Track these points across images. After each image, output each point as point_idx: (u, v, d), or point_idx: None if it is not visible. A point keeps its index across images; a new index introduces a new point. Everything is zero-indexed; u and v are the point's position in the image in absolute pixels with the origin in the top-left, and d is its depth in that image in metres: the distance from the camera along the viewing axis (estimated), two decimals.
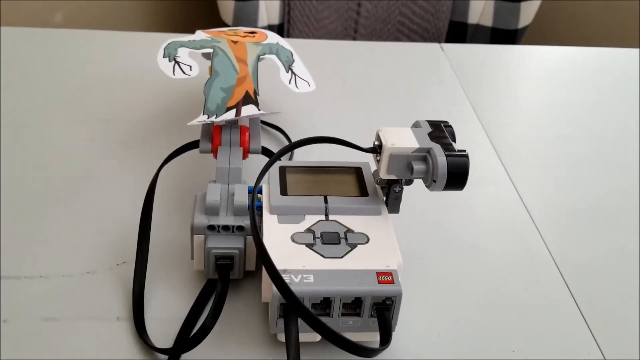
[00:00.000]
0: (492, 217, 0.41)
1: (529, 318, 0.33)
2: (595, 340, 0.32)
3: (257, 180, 0.30)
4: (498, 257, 0.37)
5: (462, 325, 0.32)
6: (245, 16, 1.18)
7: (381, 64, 0.61)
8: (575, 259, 0.38)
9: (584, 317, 0.34)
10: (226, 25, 1.17)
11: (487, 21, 1.24)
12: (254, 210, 0.29)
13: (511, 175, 0.45)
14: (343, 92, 0.55)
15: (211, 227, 0.32)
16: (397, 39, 1.29)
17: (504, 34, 1.25)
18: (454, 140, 0.33)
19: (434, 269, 0.36)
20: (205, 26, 1.29)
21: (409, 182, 0.33)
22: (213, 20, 1.23)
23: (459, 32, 1.28)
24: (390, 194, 0.33)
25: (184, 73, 0.41)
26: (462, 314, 0.33)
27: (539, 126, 0.52)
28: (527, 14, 1.22)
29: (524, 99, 0.57)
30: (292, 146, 0.31)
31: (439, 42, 1.27)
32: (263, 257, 0.26)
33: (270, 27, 1.21)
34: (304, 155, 0.45)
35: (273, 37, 0.49)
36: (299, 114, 0.51)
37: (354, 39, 1.30)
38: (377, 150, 0.32)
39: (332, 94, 0.54)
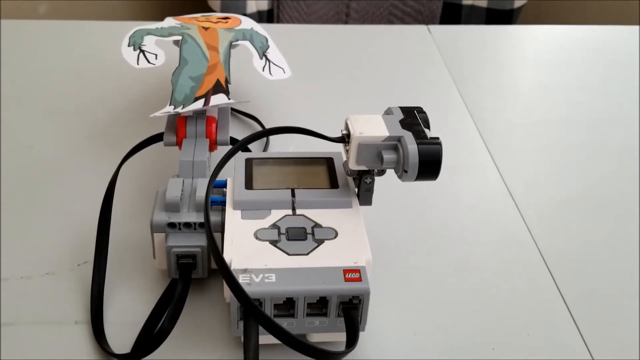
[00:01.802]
0: (476, 209, 0.39)
1: (511, 313, 0.32)
2: (582, 338, 0.30)
3: (214, 171, 0.28)
4: (480, 251, 0.36)
5: (439, 323, 0.31)
6: (234, 3, 1.15)
7: (366, 48, 0.58)
8: (563, 252, 0.36)
9: (570, 313, 0.32)
10: (213, 12, 1.15)
11: (482, 2, 1.21)
12: (208, 204, 0.27)
13: (498, 164, 0.43)
14: (325, 78, 0.53)
15: (172, 225, 0.30)
16: (390, 22, 1.27)
17: (499, 15, 1.22)
18: (428, 127, 0.31)
19: (410, 265, 0.34)
20: (191, 12, 1.26)
21: (381, 172, 0.31)
22: (200, 7, 1.21)
23: (453, 13, 1.25)
24: (361, 186, 0.31)
25: (149, 62, 0.39)
26: (439, 310, 0.31)
27: (529, 111, 0.50)
28: None
29: (514, 83, 0.55)
30: (256, 136, 0.30)
31: (433, 24, 1.24)
32: (215, 256, 0.25)
33: (259, 13, 1.19)
34: (281, 148, 0.43)
35: (247, 23, 0.47)
36: (276, 102, 0.49)
37: (346, 23, 1.27)
38: (345, 139, 0.30)
39: (313, 80, 0.52)
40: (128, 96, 0.48)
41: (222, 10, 1.14)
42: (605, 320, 0.31)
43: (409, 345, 0.29)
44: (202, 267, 0.30)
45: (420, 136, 0.29)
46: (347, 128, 0.30)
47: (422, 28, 0.64)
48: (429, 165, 0.28)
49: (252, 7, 1.17)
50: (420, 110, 0.32)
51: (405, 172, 0.29)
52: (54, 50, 0.54)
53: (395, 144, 0.29)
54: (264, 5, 1.19)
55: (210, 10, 1.14)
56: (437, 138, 0.29)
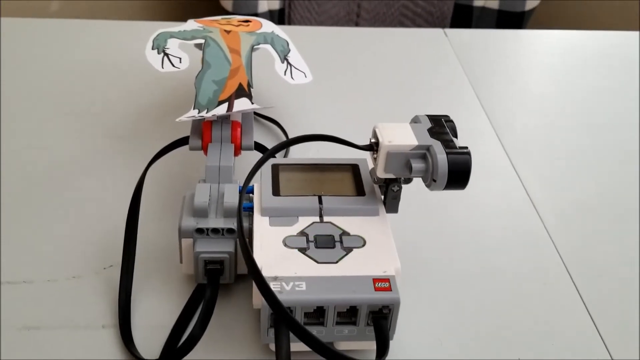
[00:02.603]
0: (497, 214, 0.39)
1: (535, 319, 0.32)
2: (604, 343, 0.31)
3: (246, 180, 0.28)
4: (503, 257, 0.36)
5: (465, 331, 0.31)
6: (246, 2, 1.15)
7: (383, 51, 0.58)
8: (584, 257, 0.36)
9: (592, 318, 0.32)
10: (225, 12, 1.15)
11: (494, 4, 1.21)
12: (241, 212, 0.27)
13: (517, 168, 0.43)
14: (343, 81, 0.53)
15: (200, 230, 0.30)
16: (401, 23, 1.26)
17: (510, 17, 1.22)
18: (456, 136, 0.31)
19: (435, 272, 0.34)
20: (204, 13, 1.26)
21: (408, 180, 0.31)
22: (212, 6, 1.21)
23: (464, 15, 1.25)
24: (388, 194, 0.31)
25: (173, 66, 0.39)
26: (464, 318, 0.31)
27: (546, 114, 0.50)
28: None
29: (530, 86, 0.55)
30: (285, 144, 0.30)
31: (444, 25, 1.24)
32: (249, 264, 0.25)
33: (270, 13, 1.19)
34: (301, 152, 0.43)
35: (268, 26, 0.47)
36: (296, 105, 0.49)
37: (357, 23, 1.27)
38: (373, 148, 0.30)
39: (331, 84, 0.52)
40: (147, 97, 0.48)
41: (234, 10, 1.14)
42: (627, 326, 0.31)
43: (436, 354, 0.29)
44: (229, 273, 0.30)
45: (449, 145, 0.29)
46: (375, 136, 0.30)
47: (438, 31, 0.64)
48: (458, 175, 0.28)
49: (263, 6, 1.17)
50: (447, 119, 0.32)
51: (434, 181, 0.29)
52: (71, 49, 0.54)
53: (424, 153, 0.29)
54: (276, 5, 1.19)
55: (223, 9, 1.14)
56: (466, 147, 0.29)
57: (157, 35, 0.41)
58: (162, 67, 0.39)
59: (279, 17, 1.20)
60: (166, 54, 0.40)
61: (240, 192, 0.28)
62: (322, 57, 0.56)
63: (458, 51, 0.60)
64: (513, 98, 0.53)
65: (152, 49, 0.40)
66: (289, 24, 1.22)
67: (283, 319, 0.24)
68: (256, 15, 1.18)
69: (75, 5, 1.11)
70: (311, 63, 0.53)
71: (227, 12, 1.15)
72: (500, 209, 0.39)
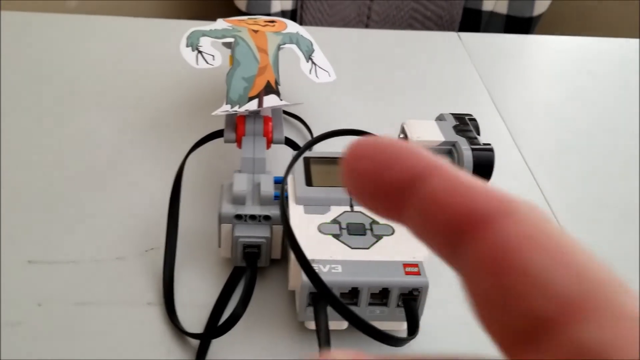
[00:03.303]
0: None
1: None
2: None
3: (286, 172, 0.31)
4: None
5: None
6: (259, 2, 1.17)
7: (398, 53, 0.61)
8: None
9: None
10: (239, 11, 1.17)
11: (502, 9, 1.23)
12: (284, 201, 0.29)
13: (532, 170, 0.46)
14: (361, 81, 0.55)
15: (238, 216, 0.32)
16: (410, 25, 1.29)
17: (518, 22, 1.24)
18: (479, 134, 0.33)
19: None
20: (218, 11, 1.28)
21: None
22: (226, 5, 1.23)
23: (473, 19, 1.27)
24: None
25: (207, 63, 0.41)
26: None
27: (561, 119, 0.53)
28: (543, 1, 1.21)
29: (545, 91, 0.57)
30: (318, 139, 0.32)
31: (453, 29, 1.26)
32: (294, 247, 0.27)
33: (283, 13, 1.21)
34: (323, 146, 0.45)
35: (293, 27, 0.49)
36: (318, 103, 0.51)
37: (367, 25, 1.29)
38: None
39: (350, 83, 0.55)
40: (179, 93, 0.51)
41: (248, 10, 1.17)
42: None
43: (461, 334, 0.32)
44: (265, 257, 0.33)
45: (473, 142, 0.31)
46: (403, 132, 0.33)
47: (452, 34, 0.66)
48: (483, 169, 0.31)
49: (276, 6, 1.19)
50: (471, 117, 0.34)
51: None
52: (108, 46, 0.56)
53: (449, 148, 0.31)
54: (288, 6, 1.21)
55: (236, 8, 1.16)
56: (489, 144, 0.31)
57: (190, 34, 0.44)
58: (197, 64, 0.41)
59: (291, 17, 1.23)
60: (200, 52, 0.42)
61: (279, 181, 0.30)
62: (339, 57, 0.59)
63: (472, 55, 0.62)
64: (528, 102, 0.55)
65: (187, 46, 0.42)
66: (301, 24, 1.24)
67: (325, 296, 0.26)
68: (269, 15, 1.20)
69: (90, 3, 1.13)
70: (331, 63, 0.55)
71: (240, 12, 1.17)
72: None
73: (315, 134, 0.47)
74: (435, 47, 0.63)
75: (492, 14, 1.25)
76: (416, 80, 0.56)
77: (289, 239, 0.27)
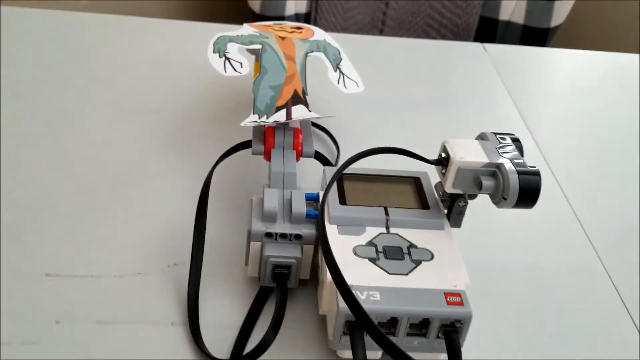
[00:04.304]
0: (545, 234, 0.40)
1: (591, 343, 0.32)
2: None
3: (325, 192, 0.29)
4: (556, 279, 0.36)
5: (526, 348, 0.31)
6: (273, 4, 1.16)
7: (423, 62, 0.59)
8: (634, 278, 0.37)
9: None
10: (253, 12, 1.15)
11: (519, 18, 1.22)
12: (324, 224, 0.27)
13: (563, 188, 0.44)
14: (385, 91, 0.54)
15: (268, 235, 0.31)
16: (425, 33, 1.27)
17: (535, 33, 1.23)
18: (522, 155, 0.31)
19: (492, 289, 0.35)
20: (232, 12, 1.27)
21: (473, 196, 0.32)
22: (240, 8, 1.22)
23: (489, 28, 1.26)
24: (453, 209, 0.32)
25: (235, 70, 0.40)
26: (525, 335, 0.32)
27: (591, 135, 0.51)
28: (560, 13, 1.20)
29: (573, 105, 0.55)
30: (358, 156, 0.30)
31: (468, 37, 1.25)
32: (334, 272, 0.25)
33: (297, 16, 1.19)
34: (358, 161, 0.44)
35: (320, 34, 0.48)
36: (344, 114, 0.50)
37: (381, 31, 1.28)
38: (443, 162, 0.31)
39: (374, 94, 0.53)
40: (201, 97, 0.49)
41: (262, 11, 1.15)
42: None
43: None
44: (294, 278, 0.31)
45: (519, 164, 0.30)
46: (445, 151, 0.31)
47: (477, 46, 0.65)
48: (529, 194, 0.29)
49: (290, 9, 1.18)
50: (514, 137, 0.32)
51: (504, 199, 0.29)
52: (129, 47, 0.55)
53: (494, 170, 0.30)
54: (303, 8, 1.20)
55: (250, 10, 1.15)
56: (535, 167, 0.30)
57: (217, 39, 0.42)
58: (225, 72, 0.39)
59: (305, 20, 1.21)
60: (227, 58, 0.41)
61: (322, 201, 0.29)
62: (361, 65, 0.57)
63: (498, 66, 0.60)
64: (556, 116, 0.53)
65: (214, 52, 0.41)
66: None
67: (366, 326, 0.24)
68: (283, 18, 1.18)
69: (102, 2, 1.12)
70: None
71: (254, 13, 1.16)
72: (548, 227, 0.40)
73: (342, 147, 0.45)
74: (461, 57, 0.61)
75: (508, 23, 1.23)
76: (443, 92, 0.55)
77: (329, 264, 0.26)
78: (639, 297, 0.35)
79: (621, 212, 0.43)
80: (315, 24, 1.23)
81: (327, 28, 1.23)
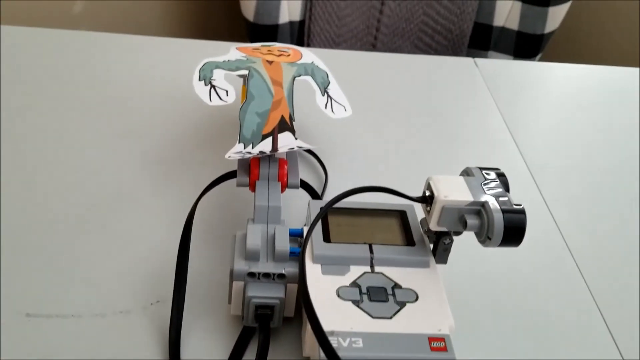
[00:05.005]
0: (536, 262, 0.39)
1: None
2: None
3: (307, 233, 0.29)
4: (542, 302, 0.36)
5: None
6: (267, 12, 1.15)
7: (413, 79, 0.59)
8: (624, 306, 0.36)
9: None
10: (247, 21, 1.15)
11: (514, 24, 1.22)
12: (304, 270, 0.27)
13: (552, 210, 0.44)
14: (376, 108, 0.53)
15: (251, 274, 0.30)
16: (420, 39, 1.27)
17: (529, 39, 1.22)
18: (508, 191, 0.31)
19: (479, 326, 0.35)
20: (225, 22, 1.26)
21: (459, 232, 0.31)
22: (234, 17, 1.21)
23: (484, 34, 1.25)
24: (439, 245, 0.31)
25: (221, 99, 0.39)
26: None
27: (581, 151, 0.51)
28: (555, 19, 1.19)
29: (565, 123, 0.55)
30: (342, 196, 0.30)
31: (463, 43, 1.24)
32: (312, 321, 0.25)
33: (291, 24, 1.19)
34: (338, 187, 0.44)
35: (308, 56, 0.48)
36: (330, 133, 0.49)
37: (376, 38, 1.27)
38: (427, 200, 0.31)
39: (365, 111, 0.53)
40: (186, 119, 0.49)
41: (255, 20, 1.15)
42: None
43: None
44: (278, 318, 0.31)
45: (504, 203, 0.29)
46: (429, 188, 0.31)
47: (468, 60, 0.65)
48: (514, 232, 0.29)
49: (284, 17, 1.17)
50: (500, 172, 0.32)
51: (489, 239, 0.29)
52: (107, 65, 0.54)
53: (478, 209, 0.30)
54: (297, 17, 1.19)
55: (244, 20, 1.14)
56: (520, 205, 0.29)
57: (203, 66, 0.42)
58: (210, 101, 0.39)
59: (299, 28, 1.21)
60: (213, 86, 0.40)
61: (304, 242, 0.29)
62: (349, 83, 0.57)
63: (488, 81, 0.60)
64: (547, 135, 0.53)
65: (199, 80, 0.41)
66: (309, 36, 1.22)
67: None
68: (277, 26, 1.18)
69: (98, 7, 1.11)
70: (343, 90, 0.53)
71: (248, 22, 1.16)
72: (538, 255, 0.40)
73: (329, 168, 0.45)
74: (451, 72, 0.61)
75: (502, 29, 1.23)
76: (433, 109, 0.54)
77: (310, 316, 0.25)
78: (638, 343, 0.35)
79: (611, 234, 0.42)
80: (310, 32, 1.23)
81: (322, 35, 1.23)
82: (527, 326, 0.34)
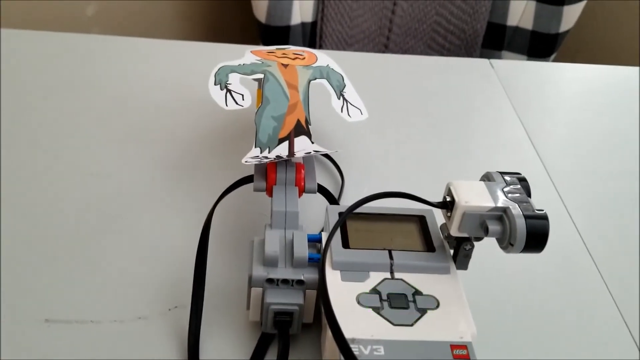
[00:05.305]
0: (556, 266, 0.39)
1: None
2: None
3: (327, 240, 0.28)
4: (567, 319, 0.35)
5: None
6: (279, 14, 1.15)
7: (430, 81, 0.58)
8: None
9: None
10: (259, 22, 1.15)
11: (528, 24, 1.20)
12: (324, 277, 0.27)
13: (572, 214, 0.43)
14: (392, 112, 0.53)
15: (270, 280, 0.30)
16: (433, 39, 1.26)
17: (543, 38, 1.21)
18: (529, 195, 0.31)
19: (500, 332, 0.34)
20: (237, 24, 1.26)
21: (480, 238, 0.31)
22: (246, 18, 1.21)
23: (497, 33, 1.24)
24: (460, 251, 0.31)
25: (237, 103, 0.39)
26: None
27: (600, 157, 0.50)
28: (569, 18, 1.18)
29: (583, 124, 0.54)
30: (361, 202, 0.30)
31: (476, 43, 1.24)
32: (334, 329, 0.25)
33: (303, 25, 1.19)
34: (355, 191, 0.43)
35: (323, 59, 0.47)
36: (346, 137, 0.49)
37: (388, 38, 1.27)
38: (448, 205, 0.30)
39: (380, 114, 0.52)
40: (202, 124, 0.48)
41: (267, 21, 1.15)
42: None
43: None
44: (297, 325, 0.31)
45: (526, 208, 0.29)
46: (450, 194, 0.30)
47: (483, 62, 0.64)
48: (537, 238, 0.28)
49: (296, 18, 1.17)
50: (521, 177, 0.31)
51: (512, 245, 0.28)
52: (125, 71, 0.54)
53: (500, 214, 0.29)
54: (309, 18, 1.19)
55: (257, 21, 1.14)
56: (542, 210, 0.29)
57: (219, 70, 0.42)
58: (227, 105, 0.39)
59: (311, 29, 1.20)
60: (229, 90, 0.40)
61: (323, 252, 0.28)
62: (364, 85, 0.56)
63: (505, 83, 0.59)
64: (565, 137, 0.52)
65: (215, 84, 0.40)
66: (321, 37, 1.22)
67: None
68: (289, 28, 1.18)
69: (111, 9, 1.12)
70: (358, 92, 0.53)
71: (260, 24, 1.16)
72: (556, 258, 0.39)
73: (346, 173, 0.45)
74: (467, 74, 0.60)
75: (516, 29, 1.22)
76: (450, 112, 0.54)
77: (330, 322, 0.25)
78: None
79: (634, 238, 0.41)
80: (322, 33, 1.23)
81: (334, 36, 1.23)
82: (549, 332, 0.34)
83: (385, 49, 1.26)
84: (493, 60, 0.64)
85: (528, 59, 1.22)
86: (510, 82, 0.60)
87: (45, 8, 1.04)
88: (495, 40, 1.24)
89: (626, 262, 0.40)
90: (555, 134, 0.53)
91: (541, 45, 1.22)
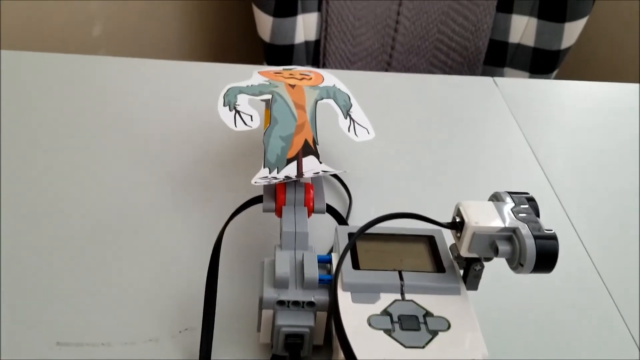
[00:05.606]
0: (565, 285, 0.39)
1: None
2: None
3: (338, 263, 0.29)
4: (578, 339, 0.35)
5: None
6: (283, 32, 1.17)
7: (434, 100, 0.59)
8: None
9: None
10: (263, 41, 1.16)
11: (529, 41, 1.21)
12: (336, 300, 0.27)
13: (578, 230, 0.43)
14: (397, 131, 0.53)
15: (280, 302, 0.30)
16: (435, 57, 1.27)
17: (545, 55, 1.22)
18: (538, 215, 0.31)
19: (509, 352, 0.34)
20: (241, 43, 1.28)
21: (489, 259, 0.31)
22: (250, 37, 1.23)
23: (499, 50, 1.25)
24: (470, 272, 0.31)
25: (245, 124, 0.40)
26: None
27: (605, 175, 0.50)
28: (571, 35, 1.19)
29: (588, 142, 0.54)
30: (371, 224, 0.30)
31: (478, 60, 1.24)
32: (347, 352, 0.25)
33: (307, 44, 1.20)
34: (362, 210, 0.43)
35: (329, 79, 0.48)
36: (353, 157, 0.49)
37: (391, 56, 1.28)
38: (457, 226, 0.30)
39: (386, 133, 0.53)
40: (208, 143, 0.49)
41: (272, 40, 1.16)
42: None
43: None
44: (308, 347, 0.31)
45: (535, 228, 0.29)
46: (459, 214, 0.30)
47: (487, 80, 0.64)
48: (546, 259, 0.28)
49: (300, 37, 1.18)
50: (530, 197, 0.32)
51: (521, 265, 0.28)
52: (128, 89, 0.55)
53: (510, 235, 0.29)
54: (312, 36, 1.20)
55: (260, 40, 1.16)
56: (551, 230, 0.29)
57: (227, 91, 0.42)
58: (236, 126, 0.39)
59: (315, 48, 1.22)
60: (238, 112, 0.40)
61: (335, 272, 0.28)
62: (369, 104, 0.57)
63: (509, 101, 0.60)
64: (570, 154, 0.52)
65: (224, 105, 0.41)
66: (324, 55, 1.23)
67: None
68: (292, 46, 1.19)
69: (115, 31, 1.13)
70: (364, 110, 0.53)
71: (264, 42, 1.17)
72: (565, 276, 0.39)
73: (353, 192, 0.45)
74: (472, 93, 0.61)
75: (518, 46, 1.23)
76: (455, 130, 0.54)
77: (343, 346, 0.25)
78: None
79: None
80: (325, 51, 1.24)
81: (337, 54, 1.24)
82: (559, 352, 0.34)
83: (388, 66, 1.27)
84: (497, 78, 0.65)
85: (530, 76, 1.23)
86: (514, 99, 0.60)
87: (52, 29, 1.05)
88: (498, 57, 1.25)
89: (633, 278, 0.39)
90: (559, 151, 0.53)
91: (543, 61, 1.23)
